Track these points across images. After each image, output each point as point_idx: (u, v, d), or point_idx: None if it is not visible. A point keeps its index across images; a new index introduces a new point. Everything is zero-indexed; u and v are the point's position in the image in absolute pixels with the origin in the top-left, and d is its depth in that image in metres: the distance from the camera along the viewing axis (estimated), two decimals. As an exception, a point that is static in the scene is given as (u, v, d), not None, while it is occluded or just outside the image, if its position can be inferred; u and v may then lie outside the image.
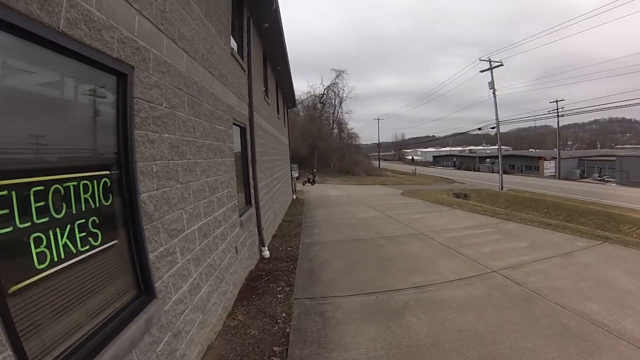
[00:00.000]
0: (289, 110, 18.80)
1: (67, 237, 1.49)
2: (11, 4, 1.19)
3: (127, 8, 1.96)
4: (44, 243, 1.36)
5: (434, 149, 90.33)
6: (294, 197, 14.81)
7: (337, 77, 45.44)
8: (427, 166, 67.61)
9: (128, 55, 1.96)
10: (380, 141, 58.98)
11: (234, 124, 4.69)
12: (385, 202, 12.56)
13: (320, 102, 46.03)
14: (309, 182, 22.76)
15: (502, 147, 24.83)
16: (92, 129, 1.80)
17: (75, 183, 1.57)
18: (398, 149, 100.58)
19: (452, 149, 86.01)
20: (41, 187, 1.37)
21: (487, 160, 53.95)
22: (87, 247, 1.62)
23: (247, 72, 5.66)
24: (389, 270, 4.79)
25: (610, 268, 4.51)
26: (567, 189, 24.37)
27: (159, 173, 2.32)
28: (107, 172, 1.85)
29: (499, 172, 22.64)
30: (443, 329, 3.07)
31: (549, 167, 42.13)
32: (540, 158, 44.99)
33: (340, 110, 46.91)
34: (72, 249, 1.52)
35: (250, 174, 5.71)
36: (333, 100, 46.36)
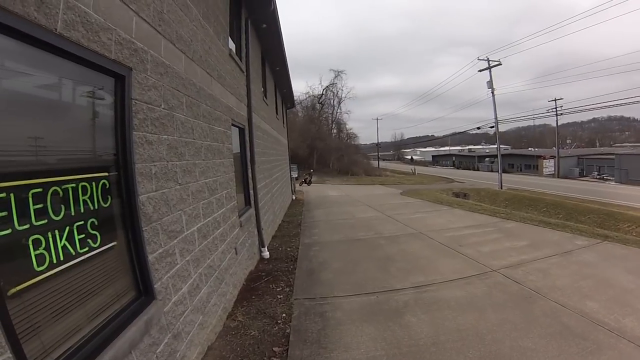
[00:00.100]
0: (287, 110, 18.82)
1: (66, 239, 1.49)
2: (8, 6, 1.19)
3: (125, 10, 1.96)
4: (43, 245, 1.36)
5: (433, 149, 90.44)
6: (294, 197, 14.81)
7: (335, 77, 45.52)
8: (427, 166, 67.63)
9: (126, 57, 1.96)
10: (380, 141, 59.02)
11: (233, 124, 4.69)
12: (385, 202, 12.56)
13: (319, 103, 46.07)
14: (305, 183, 22.84)
15: (501, 146, 24.88)
16: (90, 131, 1.80)
17: (73, 185, 1.57)
18: (397, 148, 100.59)
19: (451, 148, 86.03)
20: (40, 189, 1.37)
21: (486, 159, 53.99)
22: (86, 248, 1.62)
23: (245, 73, 5.66)
24: (389, 270, 4.79)
25: (610, 266, 4.51)
26: (566, 188, 24.42)
27: (158, 174, 2.32)
28: (106, 174, 1.84)
29: (498, 171, 22.67)
30: (443, 329, 3.07)
31: (548, 165, 42.18)
32: (539, 157, 45.04)
33: (339, 110, 46.98)
34: (71, 250, 1.52)
35: (250, 175, 5.71)
36: (332, 101, 46.43)
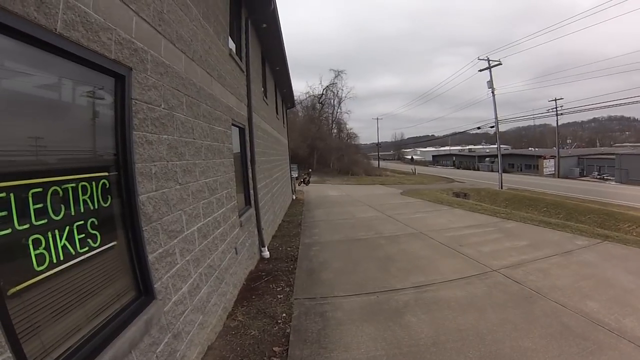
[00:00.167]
0: (288, 110, 18.81)
1: (66, 239, 1.49)
2: (8, 6, 1.19)
3: (125, 10, 1.96)
4: (43, 245, 1.36)
5: (433, 149, 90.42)
6: (294, 197, 14.81)
7: (336, 77, 45.58)
8: (427, 165, 67.60)
9: (126, 57, 1.96)
10: (380, 141, 59.06)
11: (233, 124, 4.69)
12: (385, 202, 12.56)
13: (319, 103, 46.10)
14: (303, 182, 22.88)
15: (501, 146, 24.86)
16: (90, 131, 1.80)
17: (73, 185, 1.57)
18: (397, 148, 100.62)
19: (452, 148, 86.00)
20: (40, 189, 1.37)
21: (487, 159, 53.98)
22: (86, 248, 1.62)
23: (245, 73, 5.66)
24: (389, 270, 4.79)
25: (610, 266, 4.51)
26: (566, 188, 24.40)
27: (158, 174, 2.32)
28: (106, 174, 1.84)
29: (498, 171, 22.66)
30: (443, 329, 3.07)
31: (549, 165, 42.16)
32: (539, 157, 45.01)
33: (339, 110, 47.04)
34: (71, 250, 1.52)
35: (250, 175, 5.71)
36: (332, 101, 46.49)
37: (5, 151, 1.27)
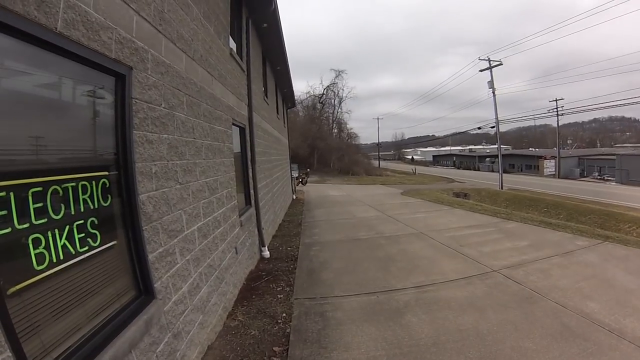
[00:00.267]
0: (288, 110, 18.80)
1: (65, 238, 1.48)
2: (8, 5, 1.19)
3: (125, 9, 1.96)
4: (43, 244, 1.36)
5: (434, 149, 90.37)
6: (294, 197, 14.81)
7: (336, 77, 45.69)
8: (427, 165, 67.58)
9: (126, 56, 1.96)
10: (380, 141, 59.05)
11: (233, 124, 4.68)
12: (386, 202, 12.55)
13: (319, 102, 46.15)
14: (301, 182, 22.90)
15: (501, 146, 24.83)
16: (90, 130, 1.80)
17: (73, 184, 1.57)
18: (398, 148, 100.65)
19: (452, 148, 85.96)
20: (40, 188, 1.37)
21: (487, 159, 53.95)
22: (86, 248, 1.62)
23: (246, 73, 5.66)
24: (390, 270, 4.78)
25: (610, 267, 4.50)
26: (567, 188, 24.38)
27: (158, 174, 2.32)
28: (106, 173, 1.84)
29: (498, 171, 22.64)
30: (444, 329, 3.07)
31: (549, 166, 42.14)
32: (540, 157, 44.99)
33: (339, 110, 47.13)
34: (71, 250, 1.52)
35: (250, 174, 5.70)
36: (332, 100, 46.57)
37: (5, 150, 1.26)
